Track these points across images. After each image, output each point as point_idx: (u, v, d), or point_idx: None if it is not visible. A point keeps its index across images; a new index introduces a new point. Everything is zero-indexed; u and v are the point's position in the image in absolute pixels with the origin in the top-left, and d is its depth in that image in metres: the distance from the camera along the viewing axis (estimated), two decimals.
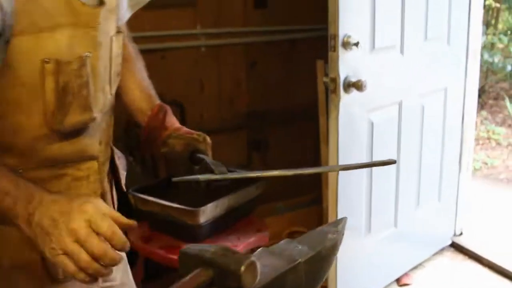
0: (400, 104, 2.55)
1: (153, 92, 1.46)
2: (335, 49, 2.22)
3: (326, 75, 3.08)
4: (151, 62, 2.88)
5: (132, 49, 1.50)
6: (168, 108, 1.40)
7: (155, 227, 2.41)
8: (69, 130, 1.17)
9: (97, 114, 1.22)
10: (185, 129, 1.37)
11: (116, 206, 1.42)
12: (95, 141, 1.26)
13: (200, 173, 1.24)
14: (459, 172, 3.02)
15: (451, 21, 2.69)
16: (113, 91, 1.30)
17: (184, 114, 3.03)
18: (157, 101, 1.45)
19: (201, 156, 1.30)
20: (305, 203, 3.36)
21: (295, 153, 3.36)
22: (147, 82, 1.48)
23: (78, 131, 1.20)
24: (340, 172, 2.32)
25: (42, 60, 1.08)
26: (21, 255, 1.17)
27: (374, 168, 2.48)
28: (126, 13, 1.41)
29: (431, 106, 2.72)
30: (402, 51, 2.49)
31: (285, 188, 3.25)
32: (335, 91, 2.25)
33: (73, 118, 1.16)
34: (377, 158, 2.47)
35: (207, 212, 2.23)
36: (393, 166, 2.58)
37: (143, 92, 1.45)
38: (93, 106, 1.20)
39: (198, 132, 1.33)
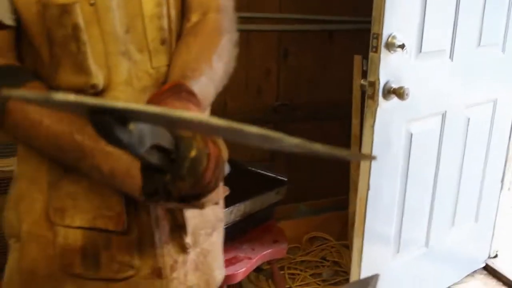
0: (443, 115, 2.30)
1: (200, 75, 1.04)
2: (377, 49, 1.98)
3: (364, 74, 2.86)
4: None
5: (216, 23, 1.15)
6: (185, 91, 0.97)
7: None
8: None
9: (116, 85, 1.02)
10: None
11: None
12: None
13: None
14: (500, 192, 2.77)
15: (509, 28, 2.42)
16: (156, 64, 1.07)
17: None
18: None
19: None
20: (330, 206, 3.14)
21: None
22: (200, 64, 1.06)
23: None
24: (372, 180, 2.09)
25: (36, 1, 0.97)
26: (38, 228, 1.09)
27: (410, 181, 2.25)
28: None
29: (477, 119, 2.46)
30: (451, 57, 2.23)
31: (308, 188, 3.05)
32: (373, 97, 2.01)
33: (66, 77, 1.01)
34: (414, 171, 2.24)
35: None
36: (430, 181, 2.35)
37: (181, 72, 1.05)
38: (93, 69, 1.01)
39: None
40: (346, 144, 2.98)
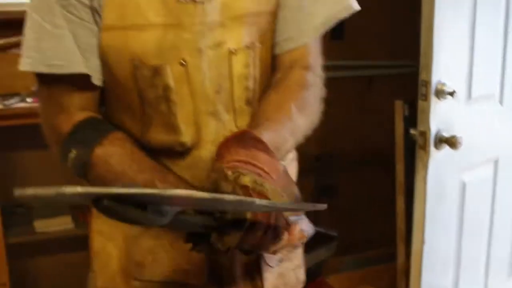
0: (496, 162, 2.21)
1: (275, 124, 1.03)
2: (426, 97, 1.91)
3: (406, 120, 2.80)
4: None
5: (300, 77, 1.14)
6: (252, 139, 0.94)
7: None
8: (158, 149, 1.04)
9: (204, 143, 1.05)
10: (234, 163, 0.88)
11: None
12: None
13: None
14: None
15: None
16: (241, 124, 1.09)
17: None
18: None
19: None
20: (377, 258, 3.03)
21: (366, 202, 3.06)
22: (277, 114, 1.06)
23: (174, 156, 1.04)
24: (427, 232, 2.00)
25: (129, 60, 1.00)
26: (113, 284, 1.11)
27: (465, 232, 2.15)
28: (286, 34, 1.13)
29: None
30: (501, 101, 2.16)
31: (353, 240, 2.96)
32: (425, 147, 1.93)
33: (156, 135, 1.04)
34: (468, 221, 2.15)
35: None
36: (485, 231, 2.25)
37: (256, 121, 1.05)
38: (183, 128, 1.03)
39: (238, 167, 0.86)
40: (391, 192, 2.90)
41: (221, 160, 0.90)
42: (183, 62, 1.01)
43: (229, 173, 0.84)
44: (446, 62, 1.91)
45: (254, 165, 0.88)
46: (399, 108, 2.84)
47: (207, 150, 1.05)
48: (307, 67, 1.16)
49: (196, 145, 1.05)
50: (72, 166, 1.01)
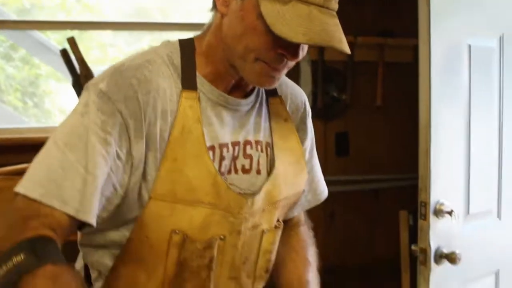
0: (497, 274, 2.30)
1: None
2: (425, 217, 2.02)
3: (410, 229, 2.88)
4: None
5: (307, 237, 1.42)
6: None
7: None
8: None
9: None
10: None
11: None
12: None
13: None
14: None
15: None
16: (258, 287, 1.27)
17: None
18: None
19: None
20: None
21: None
22: (307, 278, 1.31)
23: None
24: None
25: (171, 230, 1.08)
26: None
27: None
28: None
29: None
30: (499, 216, 2.29)
31: None
32: (425, 263, 2.03)
33: None
34: None
35: None
36: None
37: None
38: None
39: None
40: None
41: None
42: (222, 237, 1.13)
43: None
44: (444, 183, 2.05)
45: None
46: (404, 218, 2.96)
47: None
48: (304, 223, 1.44)
49: None
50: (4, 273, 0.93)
